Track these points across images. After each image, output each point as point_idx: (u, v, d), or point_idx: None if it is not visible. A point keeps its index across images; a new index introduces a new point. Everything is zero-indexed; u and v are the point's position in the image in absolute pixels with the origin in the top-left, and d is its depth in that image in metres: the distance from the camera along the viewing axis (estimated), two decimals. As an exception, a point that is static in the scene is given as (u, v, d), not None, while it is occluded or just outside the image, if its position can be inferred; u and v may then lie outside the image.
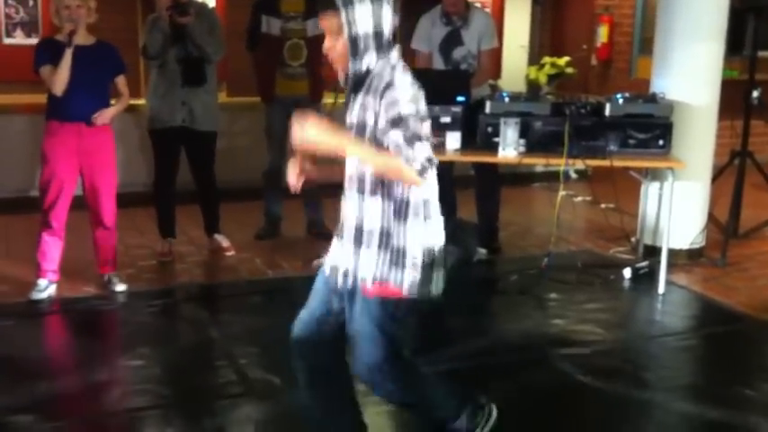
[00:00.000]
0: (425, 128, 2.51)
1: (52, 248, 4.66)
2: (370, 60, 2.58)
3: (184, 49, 5.18)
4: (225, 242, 5.64)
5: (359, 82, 2.61)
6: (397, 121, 2.46)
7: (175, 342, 4.31)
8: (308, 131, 2.47)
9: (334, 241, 2.79)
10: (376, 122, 2.54)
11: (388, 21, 2.59)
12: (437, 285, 2.70)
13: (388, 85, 2.53)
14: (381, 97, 2.52)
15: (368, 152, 2.54)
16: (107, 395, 3.68)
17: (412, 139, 2.44)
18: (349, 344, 2.78)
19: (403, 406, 3.08)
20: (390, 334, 2.70)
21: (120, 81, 4.75)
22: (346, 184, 2.72)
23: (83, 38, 4.54)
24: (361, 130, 2.59)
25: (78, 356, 4.10)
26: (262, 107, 5.95)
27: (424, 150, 2.45)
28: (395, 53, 2.62)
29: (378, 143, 2.53)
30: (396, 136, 2.45)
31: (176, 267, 5.36)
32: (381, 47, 2.58)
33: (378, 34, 2.56)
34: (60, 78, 4.44)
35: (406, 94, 2.51)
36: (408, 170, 2.43)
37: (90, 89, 4.55)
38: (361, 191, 2.65)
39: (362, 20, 2.53)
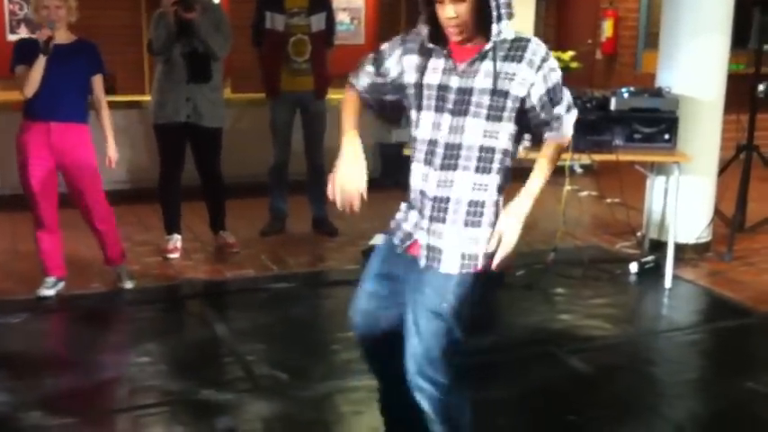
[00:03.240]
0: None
1: (51, 246, 4.64)
2: (504, 27, 2.48)
3: (190, 45, 5.17)
4: (230, 238, 5.64)
5: (491, 49, 2.51)
6: (555, 91, 2.55)
7: (181, 338, 4.31)
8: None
9: (416, 217, 2.67)
10: (529, 93, 2.53)
11: None
12: None
13: (547, 57, 2.52)
14: (539, 68, 2.51)
15: (543, 172, 2.81)
16: (114, 392, 3.69)
17: (569, 106, 2.63)
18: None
19: (440, 414, 2.67)
20: (464, 313, 2.72)
21: (96, 83, 4.57)
22: (433, 159, 2.59)
23: (62, 37, 4.42)
24: (491, 97, 2.52)
25: (85, 353, 4.09)
26: (266, 103, 5.94)
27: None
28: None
29: (525, 110, 2.57)
30: (558, 108, 2.59)
31: (182, 264, 5.36)
32: (511, 15, 2.51)
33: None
34: (31, 82, 4.32)
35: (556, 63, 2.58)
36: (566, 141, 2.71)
37: (61, 89, 4.39)
38: (477, 168, 2.63)
39: None
